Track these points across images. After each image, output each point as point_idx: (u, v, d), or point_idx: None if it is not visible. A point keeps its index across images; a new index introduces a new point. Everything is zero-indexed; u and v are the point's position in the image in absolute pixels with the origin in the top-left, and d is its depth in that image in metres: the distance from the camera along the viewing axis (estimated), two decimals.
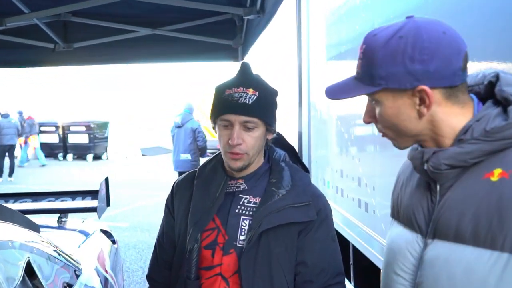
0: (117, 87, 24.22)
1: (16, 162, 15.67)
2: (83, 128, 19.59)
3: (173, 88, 23.85)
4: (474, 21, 1.79)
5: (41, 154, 17.82)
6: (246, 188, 1.72)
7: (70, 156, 19.77)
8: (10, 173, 14.11)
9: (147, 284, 1.95)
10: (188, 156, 8.29)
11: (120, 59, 5.85)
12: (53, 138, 19.91)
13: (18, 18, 4.16)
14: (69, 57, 5.41)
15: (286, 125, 5.45)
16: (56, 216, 3.75)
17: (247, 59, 5.28)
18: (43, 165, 17.41)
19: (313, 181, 1.89)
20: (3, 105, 17.35)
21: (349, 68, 3.33)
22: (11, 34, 4.95)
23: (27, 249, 2.04)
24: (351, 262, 3.69)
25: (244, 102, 1.60)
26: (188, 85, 22.97)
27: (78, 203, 3.79)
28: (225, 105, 1.63)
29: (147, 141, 22.81)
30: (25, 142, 17.69)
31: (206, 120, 19.18)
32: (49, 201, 3.78)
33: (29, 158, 18.20)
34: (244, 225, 1.67)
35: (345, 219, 3.56)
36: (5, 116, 14.89)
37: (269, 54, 7.39)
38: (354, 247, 3.48)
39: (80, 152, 19.70)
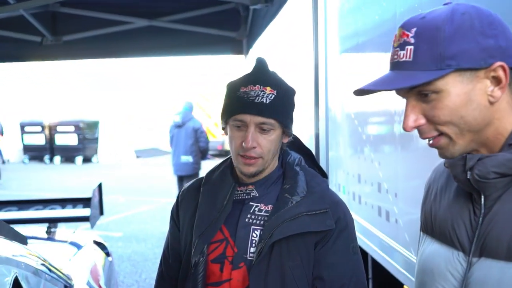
0: (109, 83, 24.27)
1: None
2: (72, 128, 19.65)
3: (170, 85, 23.90)
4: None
5: None
6: (257, 195, 1.70)
7: (57, 158, 19.83)
8: None
9: None
10: (189, 158, 8.22)
11: (114, 53, 5.84)
12: (39, 139, 19.97)
13: (2, 9, 4.15)
14: (58, 51, 5.40)
15: (300, 126, 5.44)
16: (45, 226, 3.74)
17: (252, 52, 5.26)
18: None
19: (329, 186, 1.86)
20: None
21: (376, 61, 3.30)
22: None
23: (14, 264, 2.02)
24: (370, 276, 3.67)
25: (261, 101, 1.58)
26: (187, 82, 23.01)
27: (69, 211, 3.78)
28: (239, 104, 1.60)
29: (142, 142, 22.87)
30: None
31: (206, 119, 19.29)
32: (37, 209, 3.77)
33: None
34: (255, 235, 1.65)
35: (362, 228, 3.53)
36: None
37: (279, 47, 7.34)
38: (373, 259, 3.46)
39: (68, 155, 19.76)
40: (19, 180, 15.27)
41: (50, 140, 19.91)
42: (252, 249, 1.64)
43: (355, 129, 3.76)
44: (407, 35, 1.10)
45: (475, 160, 1.11)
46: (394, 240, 2.94)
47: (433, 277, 1.22)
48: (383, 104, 3.11)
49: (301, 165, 1.76)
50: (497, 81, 1.07)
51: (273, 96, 1.59)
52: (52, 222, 3.72)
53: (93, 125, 20.43)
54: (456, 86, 1.08)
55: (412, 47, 1.09)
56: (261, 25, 4.48)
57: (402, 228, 2.81)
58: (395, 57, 1.13)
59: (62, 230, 3.79)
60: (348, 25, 3.99)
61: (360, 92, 1.17)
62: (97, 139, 20.59)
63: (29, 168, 18.98)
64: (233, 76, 1.74)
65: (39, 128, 19.95)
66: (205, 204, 1.73)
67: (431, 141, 1.14)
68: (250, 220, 1.67)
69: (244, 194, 1.71)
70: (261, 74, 1.65)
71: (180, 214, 1.83)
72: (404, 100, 1.15)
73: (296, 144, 1.82)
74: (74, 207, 3.83)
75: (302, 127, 4.98)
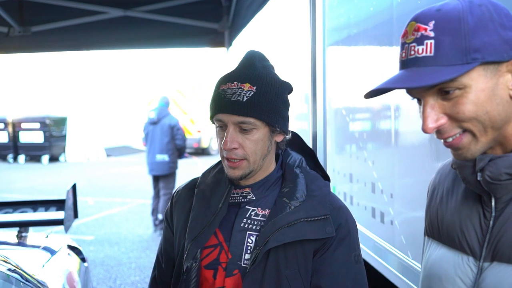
0: (78, 77, 24.01)
1: None
2: (37, 125, 19.41)
3: (145, 79, 23.74)
4: None
5: None
6: (254, 198, 1.68)
7: (21, 157, 19.58)
8: None
9: None
10: (165, 157, 8.19)
11: (86, 45, 5.77)
12: (1, 137, 19.71)
13: None
14: (26, 43, 5.31)
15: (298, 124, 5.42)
16: (15, 230, 3.67)
17: (235, 45, 5.24)
18: None
19: None
20: None
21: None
22: None
23: None
24: None
25: (238, 99, 1.55)
26: (162, 76, 22.88)
27: (41, 214, 3.71)
28: (217, 103, 1.58)
29: (113, 140, 22.68)
30: None
31: (182, 115, 19.21)
32: (6, 213, 3.70)
33: None
34: (251, 241, 1.63)
35: None
36: None
37: (268, 40, 7.28)
38: (366, 263, 3.47)
39: (34, 153, 19.53)
40: None
41: (14, 137, 19.65)
42: (247, 256, 1.61)
43: (345, 125, 3.76)
44: (425, 29, 1.08)
45: (486, 161, 1.10)
46: (389, 242, 2.95)
47: (441, 283, 1.22)
48: (377, 98, 3.11)
49: (302, 167, 1.73)
50: None
51: (252, 93, 1.56)
52: (24, 226, 3.64)
53: (60, 122, 20.20)
54: (480, 80, 1.07)
55: (432, 41, 1.07)
56: (245, 16, 4.45)
57: (398, 230, 2.82)
58: (412, 52, 1.10)
59: (33, 235, 3.72)
60: (339, 16, 3.99)
61: (372, 94, 1.16)
62: (64, 136, 20.38)
63: None
64: (212, 71, 1.70)
65: (1, 125, 19.68)
66: (199, 206, 1.70)
67: (450, 140, 1.12)
68: (246, 225, 1.64)
69: (240, 197, 1.68)
70: (243, 69, 1.61)
71: (174, 216, 1.80)
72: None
73: (298, 144, 1.79)
74: (46, 210, 3.76)
75: (301, 125, 4.97)
